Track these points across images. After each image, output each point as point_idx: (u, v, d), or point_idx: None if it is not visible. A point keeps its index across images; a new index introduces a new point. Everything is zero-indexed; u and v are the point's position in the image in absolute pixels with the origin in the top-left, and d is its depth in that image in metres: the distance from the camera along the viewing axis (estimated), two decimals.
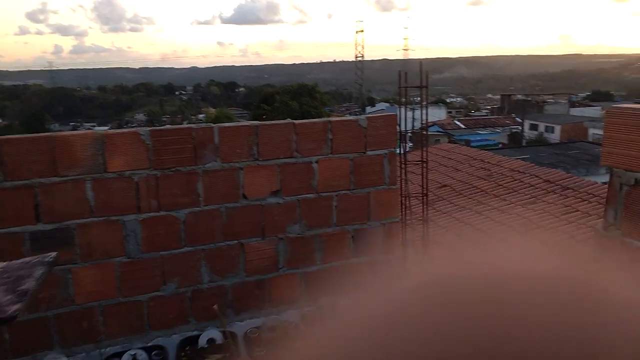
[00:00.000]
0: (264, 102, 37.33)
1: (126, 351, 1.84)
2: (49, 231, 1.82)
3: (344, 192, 2.22)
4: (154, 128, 1.91)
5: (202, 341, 1.90)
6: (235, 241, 2.09)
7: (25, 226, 1.79)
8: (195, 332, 2.00)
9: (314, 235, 2.20)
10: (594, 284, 0.23)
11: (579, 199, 6.61)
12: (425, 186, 3.52)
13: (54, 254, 1.17)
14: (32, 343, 1.87)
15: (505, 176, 7.84)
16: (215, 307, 1.76)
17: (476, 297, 0.22)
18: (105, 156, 1.85)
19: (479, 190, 7.52)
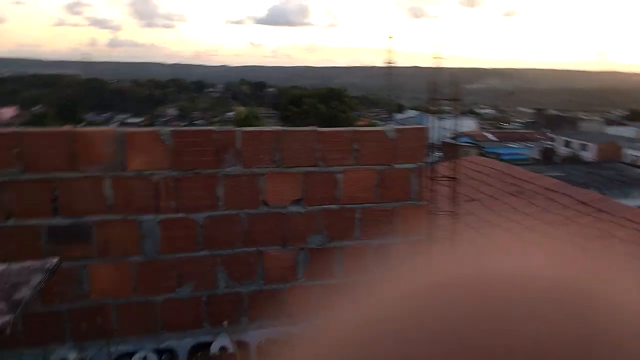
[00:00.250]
0: (292, 104, 37.47)
1: (136, 352, 1.80)
2: (66, 226, 1.80)
3: (368, 205, 2.14)
4: (175, 129, 1.87)
5: (215, 348, 1.85)
6: (254, 248, 2.03)
7: (42, 219, 1.77)
8: (208, 339, 1.95)
9: (335, 247, 2.12)
10: (598, 287, 0.23)
11: (615, 224, 6.36)
12: (454, 204, 3.40)
13: (55, 260, 1.13)
14: (44, 335, 1.85)
15: (537, 194, 7.62)
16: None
17: (477, 300, 0.22)
18: (125, 154, 1.82)
19: (509, 207, 7.32)
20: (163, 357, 1.80)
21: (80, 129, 1.78)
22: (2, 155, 1.70)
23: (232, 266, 2.00)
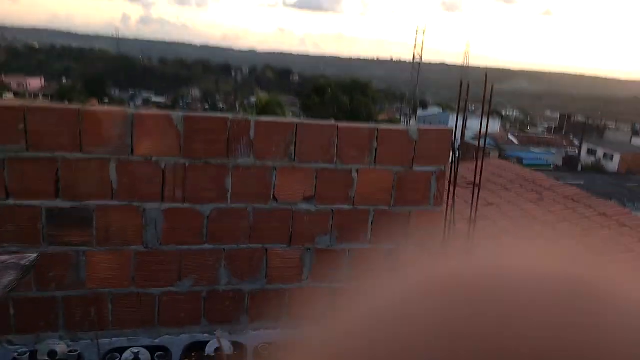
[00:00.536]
0: (315, 93, 37.25)
1: (129, 348, 1.74)
2: (68, 209, 1.73)
3: (382, 207, 2.03)
4: (187, 114, 1.78)
5: (210, 349, 1.77)
6: (260, 245, 1.94)
7: (43, 201, 1.71)
8: (204, 337, 1.88)
9: (345, 249, 2.02)
10: (600, 284, 0.23)
11: (635, 238, 6.13)
12: (474, 212, 3.27)
13: (33, 256, 1.06)
14: (37, 322, 1.80)
15: (557, 203, 7.39)
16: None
17: (478, 296, 0.22)
18: (133, 137, 1.74)
19: (527, 214, 7.12)
20: (156, 355, 1.73)
21: (88, 107, 1.71)
22: (6, 131, 1.63)
23: (235, 262, 1.92)
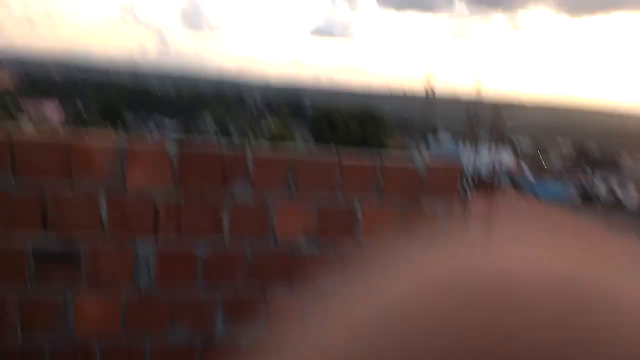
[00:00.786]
0: (326, 124, 37.53)
1: None
2: (55, 246, 1.64)
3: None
4: (182, 143, 1.70)
5: None
6: (259, 285, 1.82)
7: (30, 238, 1.62)
8: None
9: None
10: (601, 283, 0.23)
11: None
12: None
13: None
14: None
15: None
16: None
17: (477, 296, 0.22)
18: (125, 170, 1.66)
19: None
20: None
21: (77, 138, 1.64)
22: None
23: (233, 306, 1.80)
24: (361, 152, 1.92)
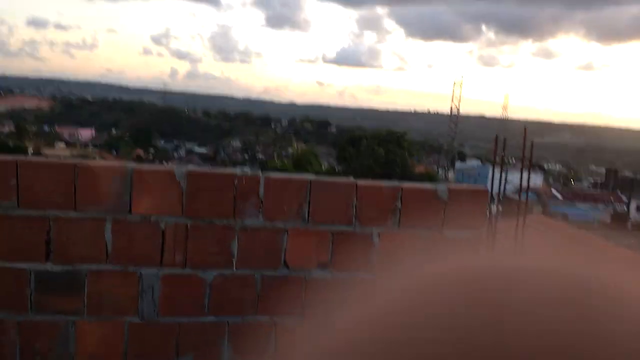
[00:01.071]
0: (350, 144, 37.48)
1: None
2: (58, 273, 1.59)
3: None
4: (191, 170, 1.64)
5: None
6: (268, 317, 1.72)
7: (32, 263, 1.57)
8: None
9: None
10: (601, 281, 0.23)
11: None
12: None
13: None
14: None
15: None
16: None
17: (482, 293, 0.22)
18: (132, 195, 1.60)
19: None
20: None
21: (84, 162, 1.59)
22: None
23: (240, 337, 1.70)
24: (381, 178, 1.82)
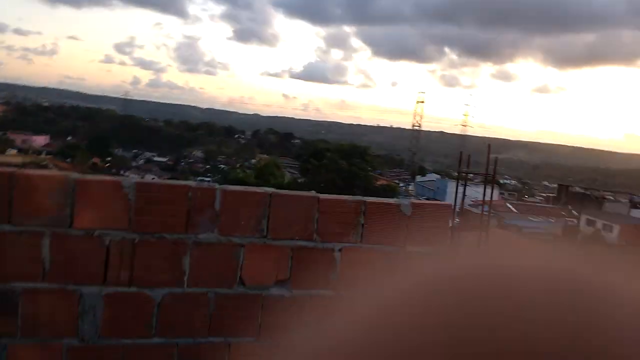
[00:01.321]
0: (313, 157, 37.51)
1: None
2: None
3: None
4: (141, 181, 1.53)
5: None
6: (222, 338, 1.62)
7: None
8: None
9: None
10: (600, 282, 0.23)
11: None
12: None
13: None
14: None
15: None
16: None
17: (481, 293, 0.22)
18: (74, 207, 1.47)
19: None
20: None
21: (22, 170, 1.46)
22: None
23: (191, 356, 1.59)
24: (344, 191, 1.76)
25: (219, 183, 1.72)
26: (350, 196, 1.75)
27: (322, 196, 1.69)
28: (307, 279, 1.68)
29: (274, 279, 1.65)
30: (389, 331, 0.22)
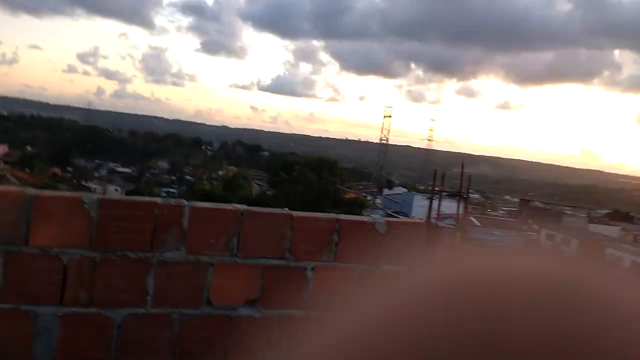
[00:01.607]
0: (283, 170, 37.40)
1: None
2: None
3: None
4: (104, 197, 1.45)
5: None
6: (186, 358, 1.54)
7: None
8: None
9: None
10: (596, 285, 0.23)
11: None
12: None
13: None
14: None
15: None
16: None
17: (478, 297, 0.22)
18: (30, 224, 1.38)
19: None
20: None
21: None
22: None
23: None
24: (313, 204, 1.72)
25: (184, 194, 1.65)
26: (325, 214, 1.72)
27: (296, 214, 1.65)
28: (278, 299, 1.62)
29: (243, 299, 1.59)
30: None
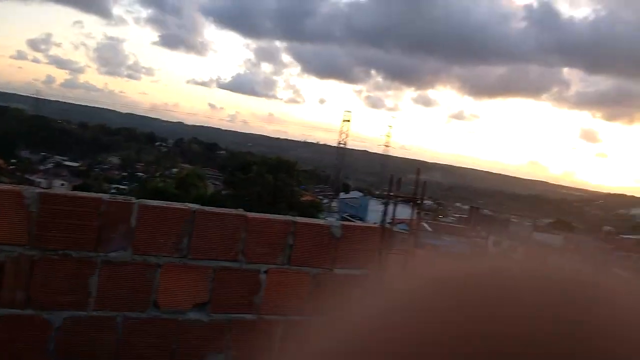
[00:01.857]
0: (240, 169, 36.97)
1: None
2: None
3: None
4: (46, 192, 1.37)
5: None
6: None
7: None
8: None
9: None
10: (596, 283, 0.23)
11: None
12: None
13: None
14: None
15: None
16: None
17: (481, 294, 0.22)
18: None
19: None
20: None
21: None
22: None
23: None
24: (269, 205, 1.70)
25: (135, 192, 1.59)
26: (280, 216, 1.69)
27: (251, 215, 1.61)
28: (228, 303, 1.58)
29: (192, 302, 1.54)
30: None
